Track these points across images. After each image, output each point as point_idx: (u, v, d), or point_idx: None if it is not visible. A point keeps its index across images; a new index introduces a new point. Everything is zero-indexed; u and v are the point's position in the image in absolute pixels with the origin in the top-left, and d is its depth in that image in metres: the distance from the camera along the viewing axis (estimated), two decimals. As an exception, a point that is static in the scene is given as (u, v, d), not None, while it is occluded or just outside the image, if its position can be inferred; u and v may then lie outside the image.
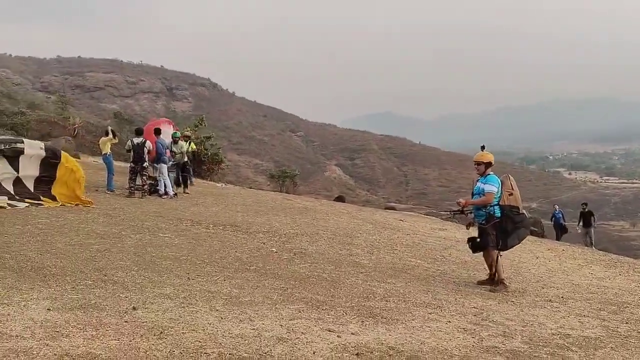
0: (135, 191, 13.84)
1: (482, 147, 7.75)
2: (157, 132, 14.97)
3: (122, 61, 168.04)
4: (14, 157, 8.79)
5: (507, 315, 5.85)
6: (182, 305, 4.94)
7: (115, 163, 15.29)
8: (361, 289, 6.54)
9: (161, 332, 4.04)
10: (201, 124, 24.58)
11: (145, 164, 14.14)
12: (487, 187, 7.36)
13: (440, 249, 11.26)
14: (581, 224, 20.80)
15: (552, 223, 22.64)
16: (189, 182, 16.61)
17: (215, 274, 6.52)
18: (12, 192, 8.78)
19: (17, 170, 8.81)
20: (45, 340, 3.54)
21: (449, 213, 8.51)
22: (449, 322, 5.32)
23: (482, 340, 4.75)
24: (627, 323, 6.17)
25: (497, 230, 7.36)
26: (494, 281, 7.54)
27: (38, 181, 9.03)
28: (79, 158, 22.78)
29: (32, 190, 8.85)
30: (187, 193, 15.77)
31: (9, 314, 4.06)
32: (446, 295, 6.68)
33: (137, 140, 14.14)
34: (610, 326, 5.93)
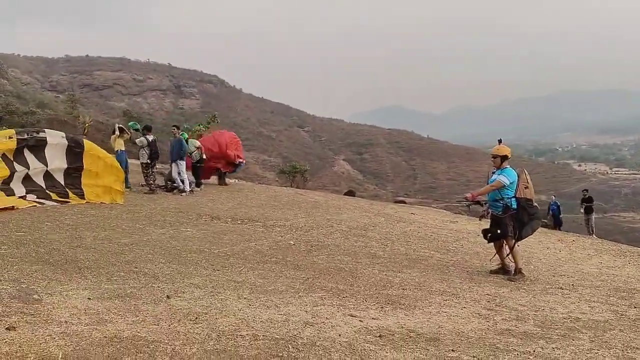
0: (157, 188, 14.22)
1: (499, 141, 8.04)
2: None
3: (129, 59, 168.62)
4: (39, 148, 8.77)
5: (520, 302, 6.11)
6: (212, 294, 5.23)
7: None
8: (378, 279, 6.80)
9: (196, 318, 4.33)
10: (214, 121, 24.85)
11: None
12: (499, 177, 7.63)
13: (452, 240, 11.50)
14: (583, 210, 20.83)
15: (549, 214, 22.49)
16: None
17: (238, 266, 6.81)
18: (44, 186, 8.85)
19: (46, 164, 8.82)
20: (93, 325, 3.84)
21: (464, 204, 8.78)
22: (464, 308, 5.58)
23: (496, 324, 5.02)
24: (635, 307, 6.40)
25: (514, 221, 7.64)
26: (505, 270, 7.83)
27: (67, 174, 9.05)
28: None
29: (62, 183, 8.84)
30: (200, 189, 16.02)
31: (53, 303, 4.36)
32: (460, 283, 6.94)
33: (150, 137, 14.43)
34: (619, 311, 6.16)
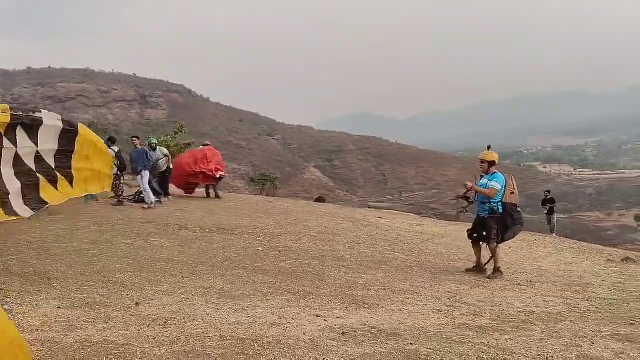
0: (125, 200, 14.18)
1: (488, 147, 8.49)
2: (112, 140, 14.99)
3: (94, 70, 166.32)
4: (33, 128, 8.42)
5: (479, 298, 6.40)
6: (180, 300, 5.37)
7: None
8: (344, 280, 7.02)
9: (165, 322, 4.48)
10: (181, 131, 24.77)
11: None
12: (492, 183, 7.99)
13: (417, 242, 11.80)
14: (545, 211, 21.37)
15: None
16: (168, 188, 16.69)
17: (207, 273, 6.94)
18: (34, 168, 8.49)
19: (37, 144, 8.48)
20: (64, 332, 3.96)
21: (455, 198, 9.14)
22: (425, 305, 5.84)
23: (454, 319, 5.28)
24: (587, 300, 6.76)
25: (498, 224, 8.03)
26: (480, 269, 8.25)
27: (57, 156, 8.65)
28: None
29: (52, 165, 8.53)
30: (168, 199, 15.94)
31: (24, 312, 4.45)
32: (422, 282, 7.22)
33: (116, 148, 14.42)
34: (572, 304, 6.50)
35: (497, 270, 8.12)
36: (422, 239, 12.49)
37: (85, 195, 14.04)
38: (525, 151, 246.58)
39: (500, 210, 8.05)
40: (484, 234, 8.12)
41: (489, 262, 8.36)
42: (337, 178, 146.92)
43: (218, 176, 17.36)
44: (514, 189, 8.22)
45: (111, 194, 14.69)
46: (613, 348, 4.61)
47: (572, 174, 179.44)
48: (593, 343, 4.73)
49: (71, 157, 7.93)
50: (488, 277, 7.97)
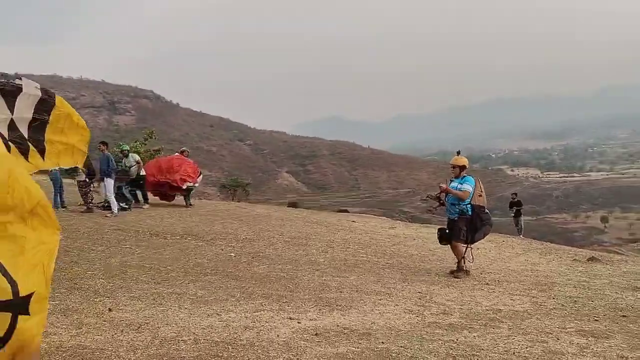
0: (94, 207, 14.00)
1: (458, 152, 8.81)
2: (104, 143, 14.82)
3: (61, 77, 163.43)
4: (12, 95, 7.94)
5: (448, 297, 6.55)
6: (153, 305, 5.38)
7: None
8: (317, 284, 7.10)
9: (138, 327, 4.49)
10: (151, 137, 24.56)
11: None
12: (464, 186, 8.29)
13: (389, 245, 11.96)
14: (513, 214, 21.75)
15: None
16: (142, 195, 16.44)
17: (179, 279, 6.94)
18: (7, 136, 7.92)
19: (12, 112, 7.96)
20: (36, 339, 3.94)
21: (426, 197, 9.40)
22: (397, 305, 5.96)
23: (425, 318, 5.41)
24: (553, 298, 6.97)
25: (467, 225, 8.28)
26: (462, 269, 8.46)
27: (31, 124, 8.08)
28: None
29: (25, 135, 7.87)
30: (145, 206, 15.78)
31: (-6, 321, 4.40)
32: (394, 284, 7.34)
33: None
34: (538, 302, 6.70)
35: (460, 269, 8.35)
36: (394, 242, 12.66)
37: (55, 205, 13.84)
38: (493, 155, 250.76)
39: (469, 212, 8.31)
40: (451, 233, 8.39)
41: (471, 260, 8.61)
42: (311, 183, 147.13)
43: (184, 187, 16.56)
44: (482, 191, 8.52)
45: (80, 201, 14.51)
46: (577, 343, 4.78)
47: (539, 177, 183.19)
48: (558, 339, 4.90)
49: (45, 128, 7.41)
50: (454, 276, 8.17)
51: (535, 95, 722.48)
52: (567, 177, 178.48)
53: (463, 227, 8.30)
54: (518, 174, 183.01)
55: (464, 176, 8.44)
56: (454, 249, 8.54)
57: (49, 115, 7.77)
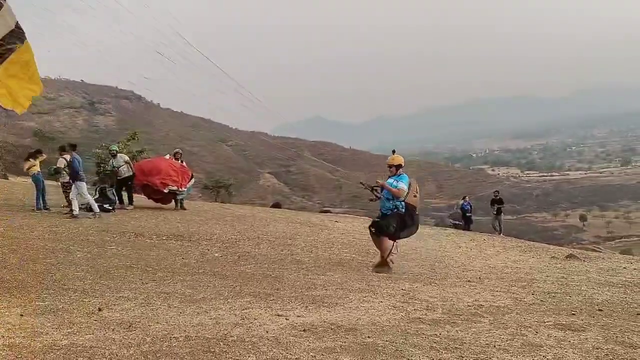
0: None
1: (393, 151, 9.02)
2: (63, 149, 14.64)
3: (39, 76, 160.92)
4: None
5: (431, 294, 6.72)
6: (142, 305, 5.45)
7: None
8: (303, 282, 7.23)
9: (129, 326, 4.57)
10: (133, 139, 24.48)
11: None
12: (400, 184, 8.53)
13: (372, 244, 12.11)
14: (494, 211, 22.01)
15: (461, 214, 23.31)
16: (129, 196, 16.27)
17: (167, 278, 7.02)
18: None
19: None
20: (30, 338, 4.01)
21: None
22: (381, 302, 6.11)
23: (408, 314, 5.56)
24: (532, 294, 7.18)
25: (398, 222, 8.52)
26: (387, 264, 8.68)
27: None
28: (7, 179, 22.27)
29: None
30: (128, 208, 15.75)
31: (-14, 321, 4.46)
32: (378, 281, 7.50)
33: (68, 157, 14.21)
34: (518, 297, 6.91)
35: (385, 264, 8.58)
36: (377, 241, 12.84)
37: (38, 206, 13.73)
38: (475, 155, 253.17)
39: (403, 210, 8.55)
40: (383, 228, 8.62)
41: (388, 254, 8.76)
42: (293, 184, 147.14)
43: (166, 191, 15.77)
44: (417, 192, 8.78)
45: (64, 203, 14.46)
46: (555, 336, 4.97)
47: (519, 176, 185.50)
48: (537, 332, 5.08)
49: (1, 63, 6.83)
50: (376, 271, 8.44)
51: (515, 96, 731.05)
52: (546, 176, 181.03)
53: (394, 222, 8.52)
54: (499, 174, 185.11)
55: (401, 174, 8.67)
56: (381, 243, 8.70)
57: (12, 52, 7.08)
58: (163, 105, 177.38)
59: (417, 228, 9.07)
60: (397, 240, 8.67)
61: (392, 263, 8.64)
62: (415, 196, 8.65)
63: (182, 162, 16.92)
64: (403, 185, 8.48)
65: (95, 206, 13.66)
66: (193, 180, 17.27)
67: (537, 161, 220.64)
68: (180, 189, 16.06)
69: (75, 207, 13.25)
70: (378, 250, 8.86)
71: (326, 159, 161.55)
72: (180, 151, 17.58)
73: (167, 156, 17.25)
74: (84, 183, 13.77)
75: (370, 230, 8.87)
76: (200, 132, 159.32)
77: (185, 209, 16.29)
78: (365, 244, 12.23)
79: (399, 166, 8.70)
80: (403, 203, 8.52)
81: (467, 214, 22.60)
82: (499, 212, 22.00)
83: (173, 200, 16.49)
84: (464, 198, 24.40)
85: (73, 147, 14.32)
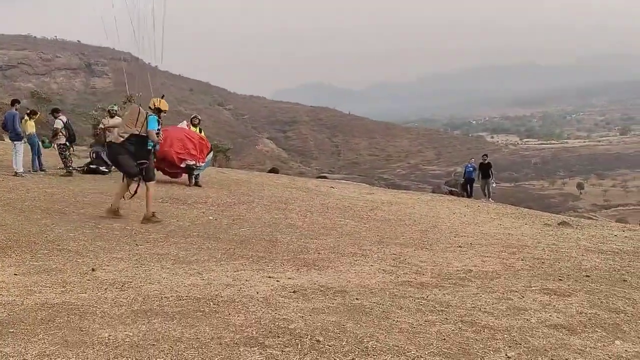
0: (73, 170, 13.97)
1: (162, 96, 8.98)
2: (57, 110, 14.39)
3: (35, 37, 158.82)
4: None
5: (421, 259, 6.82)
6: (136, 265, 5.53)
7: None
8: (296, 246, 7.31)
9: (122, 286, 4.65)
10: (130, 101, 24.27)
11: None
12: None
13: (367, 210, 12.23)
14: (480, 175, 21.75)
15: (464, 177, 23.00)
16: None
17: (161, 240, 7.09)
18: None
19: None
20: (23, 296, 4.09)
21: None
22: (372, 265, 6.20)
23: (398, 277, 5.66)
24: (522, 260, 7.28)
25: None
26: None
27: None
28: (2, 140, 22.19)
29: None
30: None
31: (-20, 279, 4.53)
32: (370, 246, 7.60)
33: (64, 118, 14.16)
34: (507, 263, 7.01)
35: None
36: (372, 207, 12.93)
37: (34, 168, 13.77)
38: (474, 122, 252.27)
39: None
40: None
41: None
42: (291, 149, 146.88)
43: (183, 165, 13.84)
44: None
45: (60, 165, 14.47)
46: (540, 300, 5.07)
47: (518, 143, 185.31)
48: (523, 296, 5.18)
49: None
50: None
51: (515, 63, 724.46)
52: (545, 144, 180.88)
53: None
54: (498, 141, 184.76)
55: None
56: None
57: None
58: (161, 68, 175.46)
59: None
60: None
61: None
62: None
63: (200, 130, 15.23)
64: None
65: (19, 166, 13.16)
66: (212, 153, 15.46)
67: (536, 129, 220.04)
68: (198, 164, 14.10)
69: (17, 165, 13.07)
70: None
71: (325, 125, 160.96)
72: (199, 117, 15.98)
73: (184, 123, 15.33)
74: (20, 143, 13.51)
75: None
76: (198, 95, 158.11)
77: (200, 186, 14.08)
78: (359, 209, 12.32)
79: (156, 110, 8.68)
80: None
81: (472, 177, 22.14)
82: (485, 175, 21.63)
83: (187, 175, 14.37)
84: (470, 161, 24.00)
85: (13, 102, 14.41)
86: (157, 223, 8.26)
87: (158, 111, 8.68)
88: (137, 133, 8.33)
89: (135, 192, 8.66)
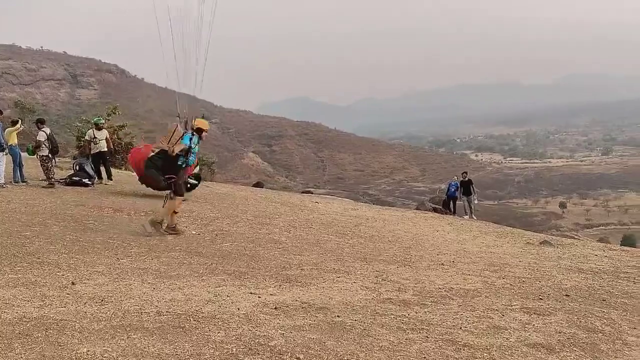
0: (56, 182, 13.84)
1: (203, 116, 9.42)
2: (42, 121, 14.28)
3: (20, 47, 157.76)
4: None
5: (404, 276, 6.84)
6: (116, 280, 5.48)
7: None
8: (279, 261, 7.30)
9: (102, 300, 4.61)
10: (114, 113, 24.18)
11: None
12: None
13: (351, 225, 12.24)
14: (461, 192, 21.77)
15: (446, 195, 22.94)
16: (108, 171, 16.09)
17: (142, 254, 7.03)
18: None
19: None
20: (1, 310, 4.03)
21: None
22: (354, 282, 6.21)
23: (380, 295, 5.67)
24: (503, 278, 7.34)
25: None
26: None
27: None
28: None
29: None
30: (108, 183, 15.64)
31: (-44, 293, 4.46)
32: (353, 263, 7.60)
33: (47, 130, 14.04)
34: (488, 281, 7.06)
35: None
36: (356, 223, 12.94)
37: (15, 179, 13.60)
38: (459, 140, 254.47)
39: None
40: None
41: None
42: (276, 163, 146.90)
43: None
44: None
45: (42, 176, 14.30)
46: (520, 319, 5.12)
47: (502, 162, 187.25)
48: (503, 315, 5.22)
49: None
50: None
51: (499, 83, 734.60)
52: (528, 163, 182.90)
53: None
54: (482, 159, 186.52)
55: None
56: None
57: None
58: (147, 80, 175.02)
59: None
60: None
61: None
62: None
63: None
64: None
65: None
66: (198, 167, 14.86)
67: (519, 148, 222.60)
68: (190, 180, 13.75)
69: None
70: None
71: (311, 139, 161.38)
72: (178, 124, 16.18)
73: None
74: (2, 154, 13.15)
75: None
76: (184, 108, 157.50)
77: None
78: (343, 225, 12.33)
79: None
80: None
81: (454, 195, 22.12)
82: (466, 192, 21.71)
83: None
84: (453, 178, 23.97)
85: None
86: (159, 233, 8.54)
87: (199, 131, 8.91)
88: (166, 149, 8.67)
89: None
